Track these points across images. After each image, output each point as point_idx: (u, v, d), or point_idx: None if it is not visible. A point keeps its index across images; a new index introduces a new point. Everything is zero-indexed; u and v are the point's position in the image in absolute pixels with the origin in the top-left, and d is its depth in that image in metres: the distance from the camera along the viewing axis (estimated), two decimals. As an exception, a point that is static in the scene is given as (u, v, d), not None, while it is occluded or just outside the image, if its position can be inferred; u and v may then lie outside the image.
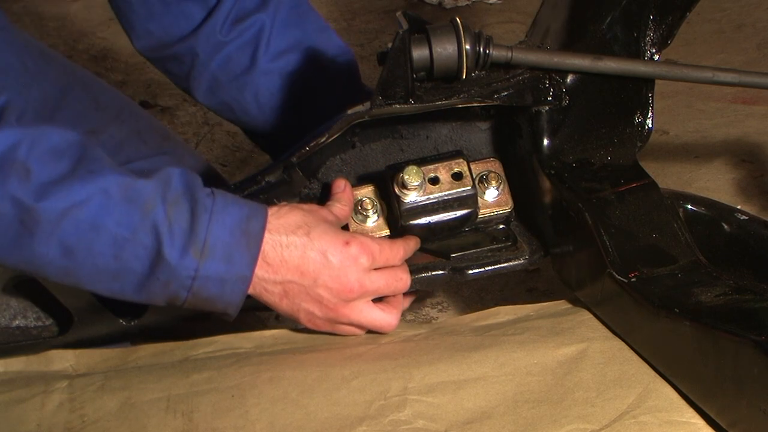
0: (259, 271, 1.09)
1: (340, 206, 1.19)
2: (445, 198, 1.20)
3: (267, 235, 1.09)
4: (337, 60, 1.39)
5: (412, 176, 1.18)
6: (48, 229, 1.01)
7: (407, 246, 1.20)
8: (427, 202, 1.19)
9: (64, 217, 1.01)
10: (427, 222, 1.21)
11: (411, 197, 1.19)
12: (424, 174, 1.19)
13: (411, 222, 1.20)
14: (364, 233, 1.22)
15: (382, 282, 1.16)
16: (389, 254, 1.16)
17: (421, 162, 1.20)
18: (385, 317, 1.17)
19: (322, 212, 1.15)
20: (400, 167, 1.19)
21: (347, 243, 1.13)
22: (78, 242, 1.02)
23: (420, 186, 1.19)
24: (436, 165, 1.21)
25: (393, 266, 1.17)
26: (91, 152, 1.05)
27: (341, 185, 1.22)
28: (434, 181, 1.20)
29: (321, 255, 1.11)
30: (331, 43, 1.40)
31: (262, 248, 1.09)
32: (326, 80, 1.38)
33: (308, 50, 1.37)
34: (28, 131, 1.02)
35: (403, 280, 1.18)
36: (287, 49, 1.36)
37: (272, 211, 1.11)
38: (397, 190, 1.19)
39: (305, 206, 1.15)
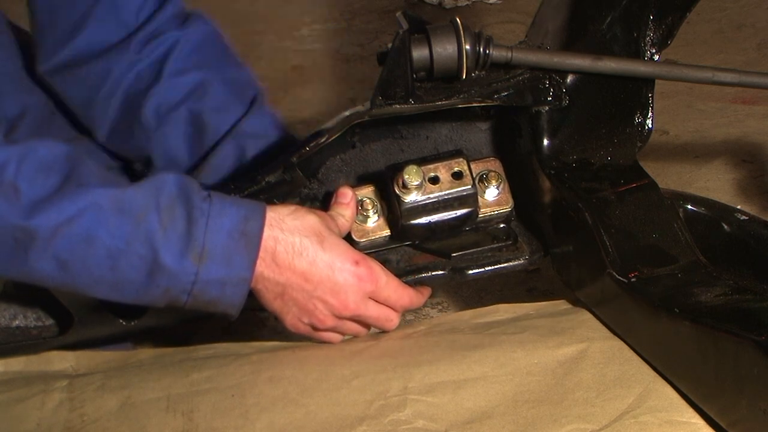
0: (266, 270, 1.09)
1: (343, 221, 1.18)
2: (445, 197, 1.20)
3: (281, 235, 1.09)
4: (245, 89, 1.36)
5: (412, 176, 1.18)
6: (42, 245, 1.02)
7: (413, 297, 1.19)
8: (428, 201, 1.19)
9: (56, 234, 1.01)
10: (427, 221, 1.21)
11: (411, 197, 1.19)
12: (424, 173, 1.19)
13: (411, 222, 1.20)
14: (365, 233, 1.22)
15: (374, 314, 1.16)
16: (393, 293, 1.16)
17: (421, 161, 1.20)
18: (363, 331, 1.19)
19: (331, 223, 1.15)
20: (400, 167, 1.19)
21: (357, 262, 1.12)
22: (72, 256, 1.03)
23: (420, 185, 1.18)
24: (436, 164, 1.20)
25: (391, 306, 1.17)
26: (79, 165, 1.05)
27: (347, 196, 1.20)
28: (434, 180, 1.20)
29: (328, 267, 1.11)
30: (242, 75, 1.37)
31: (274, 248, 1.09)
32: (226, 104, 1.34)
33: (215, 73, 1.33)
34: (14, 149, 1.02)
35: (392, 322, 1.18)
36: (194, 68, 1.33)
37: (289, 210, 1.11)
38: (397, 190, 1.19)
39: (319, 212, 1.15)
